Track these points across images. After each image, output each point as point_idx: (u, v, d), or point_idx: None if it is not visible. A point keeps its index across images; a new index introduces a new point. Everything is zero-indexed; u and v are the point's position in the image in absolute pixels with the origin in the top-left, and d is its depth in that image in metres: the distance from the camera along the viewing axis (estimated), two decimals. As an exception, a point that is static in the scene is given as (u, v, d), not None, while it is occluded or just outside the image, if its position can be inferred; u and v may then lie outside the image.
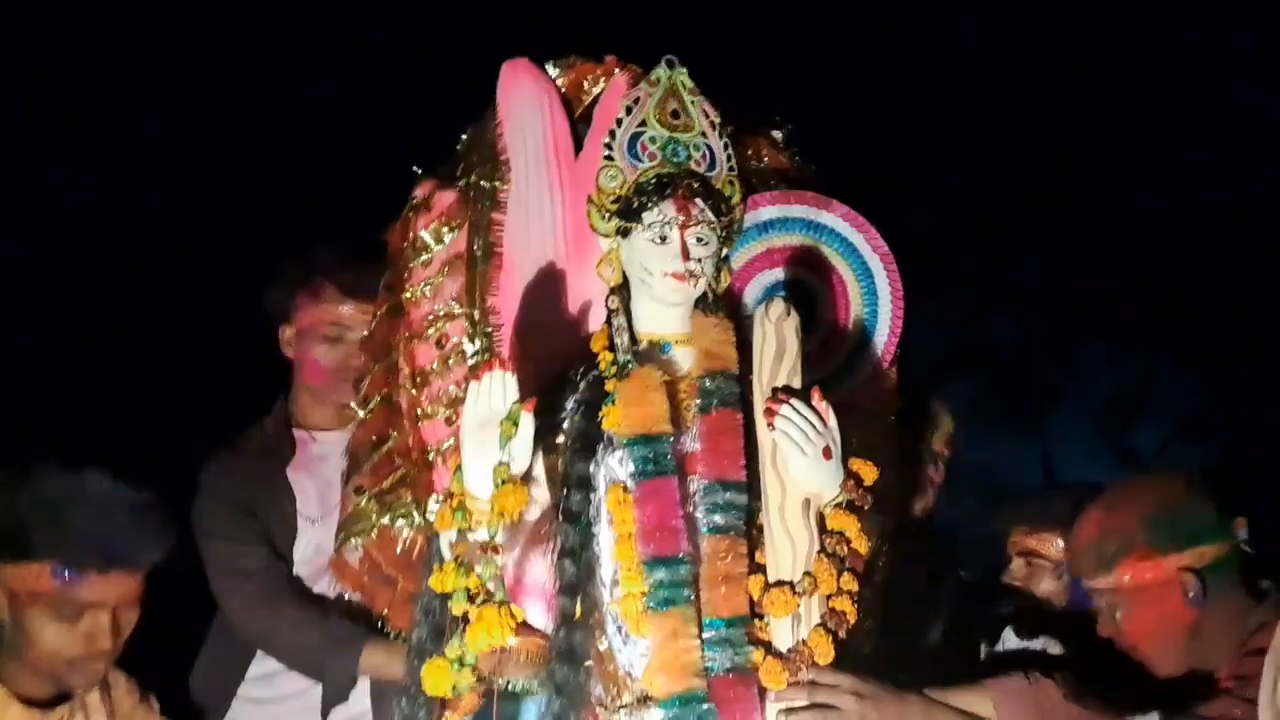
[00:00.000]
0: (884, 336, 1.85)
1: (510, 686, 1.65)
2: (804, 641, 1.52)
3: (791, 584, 1.54)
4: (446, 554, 1.54)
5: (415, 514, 1.74)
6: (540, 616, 1.61)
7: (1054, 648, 2.07)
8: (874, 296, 1.85)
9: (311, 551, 2.00)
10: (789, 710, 1.50)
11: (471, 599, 1.47)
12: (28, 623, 1.63)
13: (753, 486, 1.60)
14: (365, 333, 1.86)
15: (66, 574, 1.61)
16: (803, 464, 1.55)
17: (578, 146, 1.81)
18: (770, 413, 1.56)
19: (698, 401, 1.62)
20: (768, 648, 1.54)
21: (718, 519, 1.57)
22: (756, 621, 1.56)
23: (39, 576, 1.60)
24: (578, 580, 1.57)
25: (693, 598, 1.53)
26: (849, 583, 1.55)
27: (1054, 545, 2.07)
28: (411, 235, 1.81)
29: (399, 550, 1.75)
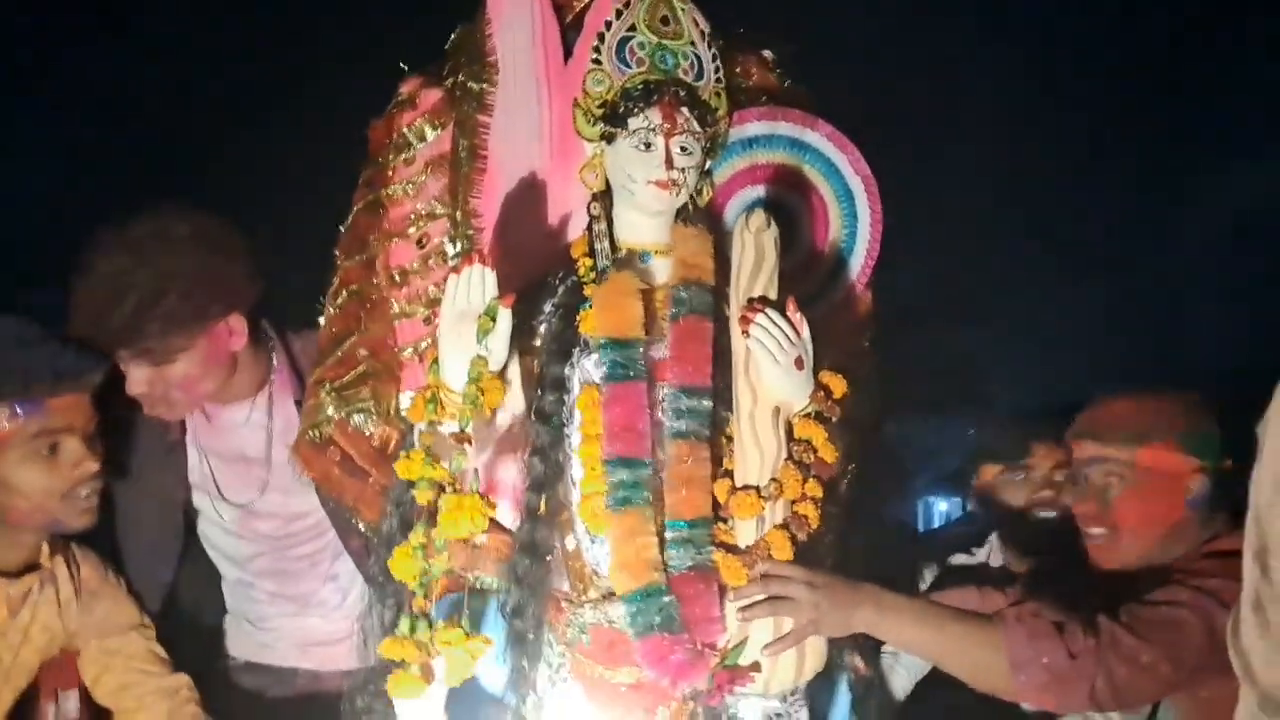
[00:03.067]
0: (860, 259, 1.87)
1: (479, 583, 1.70)
2: (763, 539, 1.56)
3: (758, 488, 1.57)
4: (416, 444, 1.55)
5: (374, 409, 1.75)
6: (509, 516, 1.64)
7: (1019, 564, 2.15)
8: (854, 219, 1.86)
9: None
10: (746, 606, 1.54)
11: (441, 488, 1.49)
12: (3, 475, 1.63)
13: (723, 394, 1.63)
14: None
15: (22, 408, 1.60)
16: (775, 372, 1.58)
17: (567, 53, 1.80)
18: (745, 320, 1.58)
19: (671, 310, 1.64)
20: (730, 549, 1.58)
21: (681, 424, 1.59)
22: (720, 525, 1.60)
23: None
24: (545, 478, 1.59)
25: (651, 498, 1.56)
26: (813, 489, 1.58)
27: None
28: (395, 132, 1.80)
29: (375, 445, 1.77)
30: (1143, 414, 1.73)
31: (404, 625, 1.44)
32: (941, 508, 4.10)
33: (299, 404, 1.96)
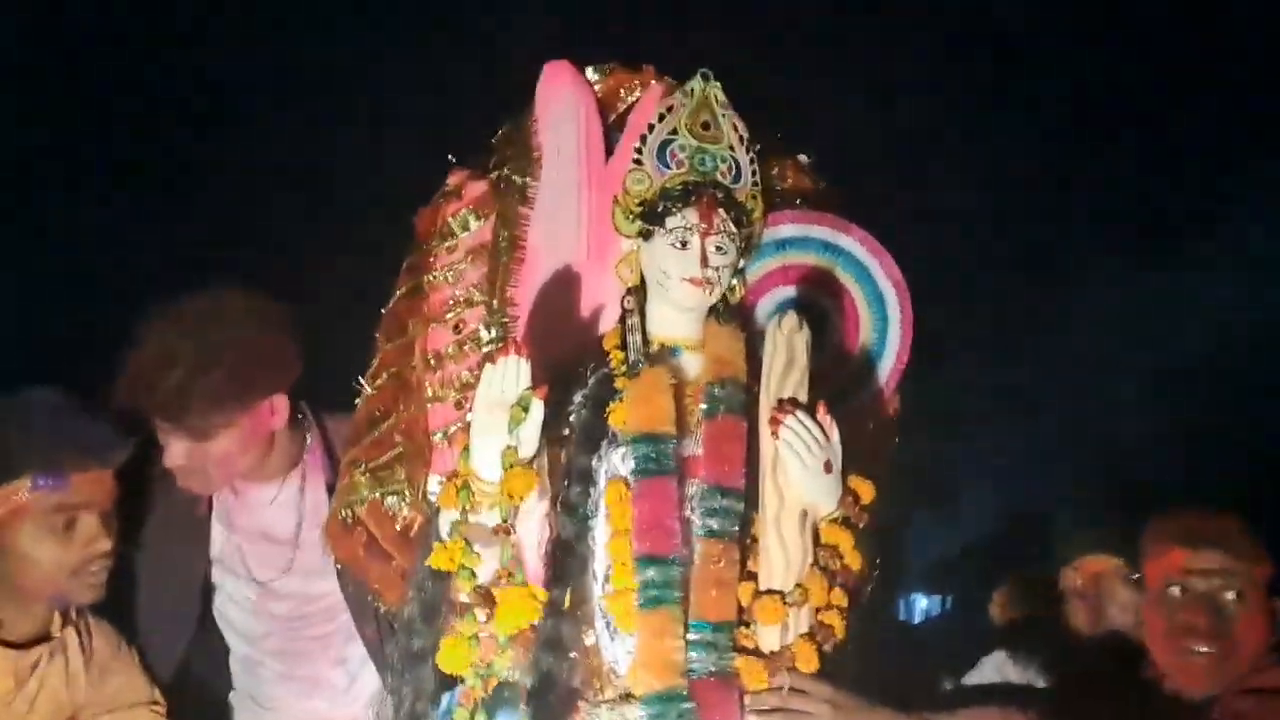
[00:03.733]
0: (890, 363, 1.88)
1: (502, 675, 1.68)
2: (788, 648, 1.54)
3: (782, 593, 1.56)
4: (445, 533, 1.56)
5: (407, 492, 1.76)
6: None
7: (1039, 680, 2.09)
8: (884, 323, 1.88)
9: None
10: (762, 711, 1.52)
11: (476, 578, 1.50)
12: (18, 546, 1.63)
13: (751, 495, 1.63)
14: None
15: (47, 481, 1.62)
16: (803, 475, 1.58)
17: (609, 151, 1.86)
18: (775, 421, 1.59)
19: (703, 406, 1.65)
20: (752, 654, 1.56)
21: (713, 523, 1.59)
22: (743, 629, 1.58)
23: (18, 492, 1.62)
24: (570, 571, 1.59)
25: (681, 598, 1.55)
26: (839, 598, 1.57)
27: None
28: (440, 220, 1.85)
29: (398, 527, 1.78)
30: (1243, 528, 1.69)
31: (461, 716, 1.45)
32: (922, 604, 4.05)
33: (330, 487, 1.97)
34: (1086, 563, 2.16)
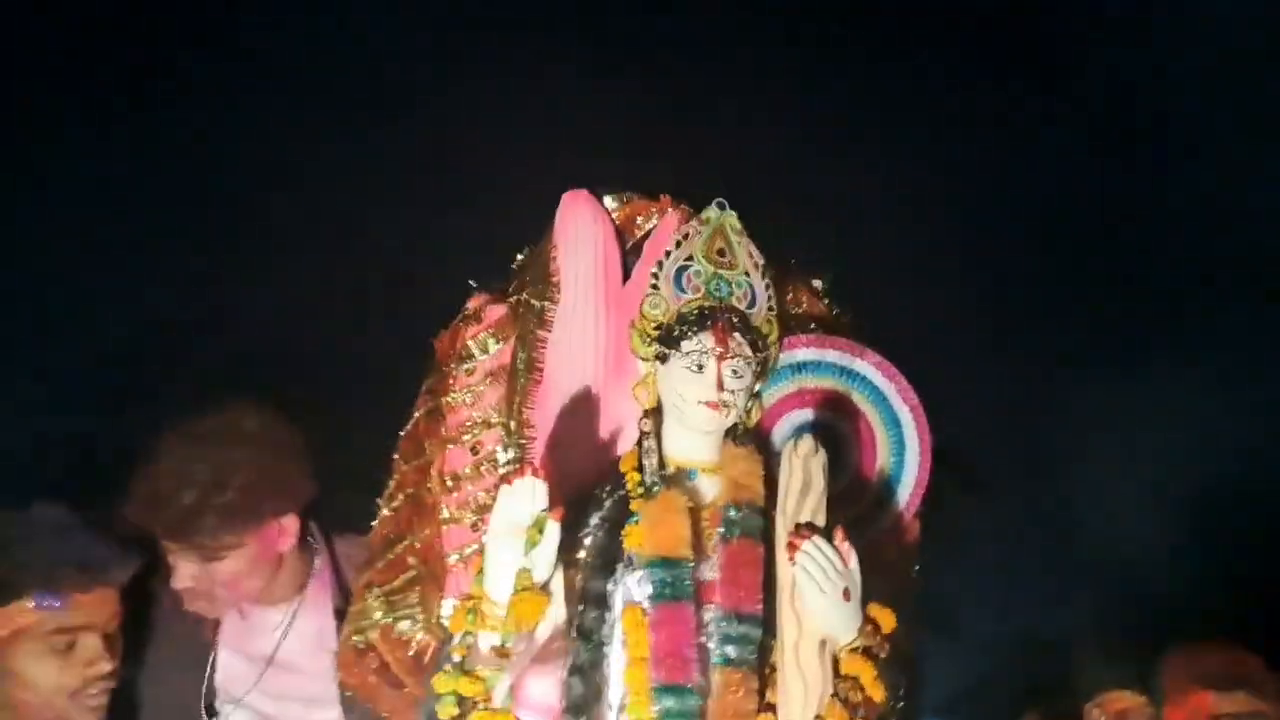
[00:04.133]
0: (909, 489, 1.87)
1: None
2: (809, 785, 1.49)
3: (801, 725, 1.51)
4: (454, 657, 1.53)
5: (420, 616, 1.74)
6: (543, 737, 1.59)
7: None
8: (901, 447, 1.88)
9: None
10: None
11: (463, 705, 1.46)
12: (17, 667, 1.60)
13: (770, 622, 1.60)
14: None
15: (45, 600, 1.60)
16: (820, 602, 1.55)
17: (626, 275, 1.90)
18: (792, 547, 1.57)
19: (720, 530, 1.64)
20: (772, 788, 1.51)
21: (730, 651, 1.56)
22: (762, 762, 1.53)
23: (20, 613, 1.60)
24: (585, 700, 1.55)
25: None
26: (859, 731, 1.52)
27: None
28: (459, 343, 1.88)
29: (411, 653, 1.75)
30: (1264, 666, 1.66)
31: None
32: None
33: (339, 612, 1.94)
34: (1110, 699, 2.12)
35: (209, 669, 1.99)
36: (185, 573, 1.86)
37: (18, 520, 1.67)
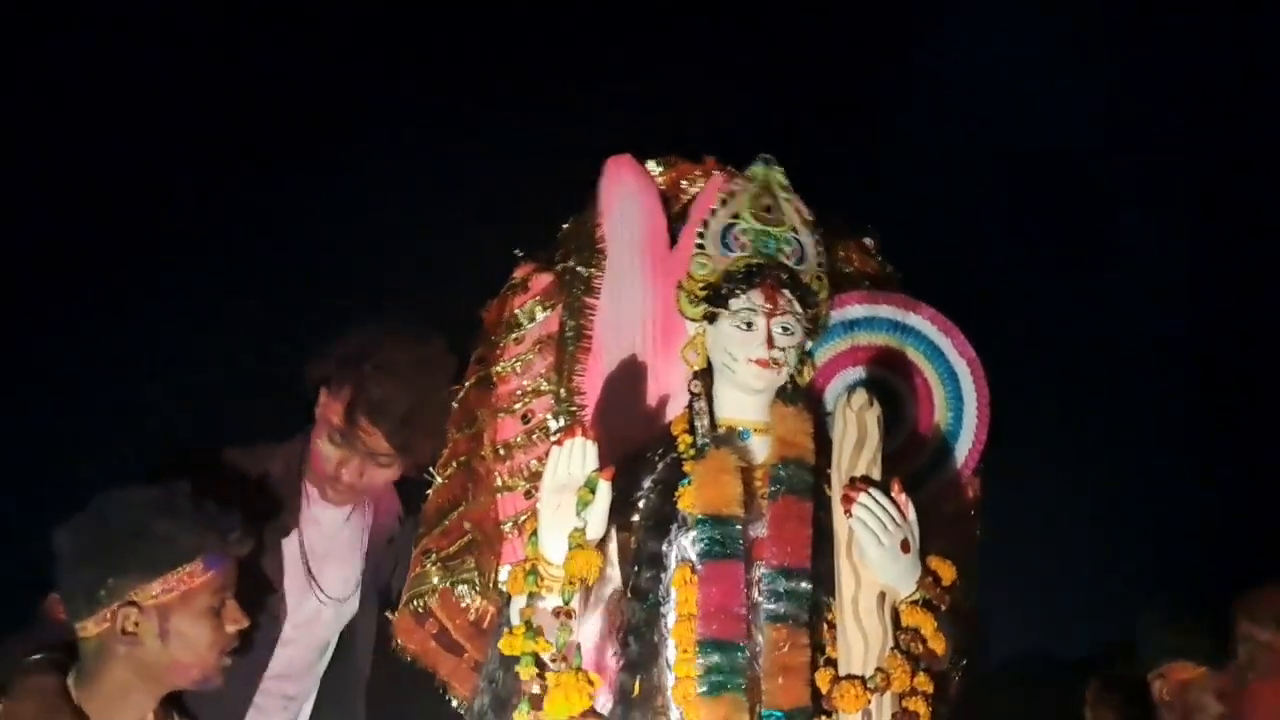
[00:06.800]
0: (967, 443, 1.83)
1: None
2: (872, 737, 1.47)
3: (863, 678, 1.49)
4: (516, 619, 1.54)
5: (478, 581, 1.75)
6: (601, 696, 1.59)
7: None
8: (959, 401, 1.84)
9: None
10: None
11: (541, 665, 1.46)
12: (183, 628, 1.66)
13: (825, 578, 1.58)
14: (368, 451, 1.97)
15: (212, 563, 1.67)
16: (879, 554, 1.53)
17: (673, 241, 1.88)
18: (848, 500, 1.54)
19: (770, 488, 1.62)
20: (833, 744, 1.49)
21: (779, 607, 1.54)
22: (822, 717, 1.51)
23: (193, 575, 1.66)
24: (640, 659, 1.55)
25: (745, 686, 1.50)
26: (923, 683, 1.49)
27: None
28: (507, 313, 1.88)
29: (470, 618, 1.76)
30: None
31: None
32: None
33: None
34: (1173, 670, 2.08)
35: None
36: (353, 467, 1.98)
37: (155, 495, 1.72)
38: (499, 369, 1.86)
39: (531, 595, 1.51)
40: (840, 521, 1.57)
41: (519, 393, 1.85)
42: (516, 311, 1.88)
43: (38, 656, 1.68)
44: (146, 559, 1.65)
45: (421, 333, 2.01)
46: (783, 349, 1.65)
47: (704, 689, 1.50)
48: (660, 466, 1.68)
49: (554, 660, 1.46)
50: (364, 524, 2.11)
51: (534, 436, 1.82)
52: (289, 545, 2.04)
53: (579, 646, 1.48)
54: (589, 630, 1.60)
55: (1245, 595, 1.75)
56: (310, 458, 2.03)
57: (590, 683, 1.43)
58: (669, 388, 1.82)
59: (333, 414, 1.98)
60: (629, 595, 1.58)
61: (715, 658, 1.50)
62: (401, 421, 1.93)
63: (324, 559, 2.06)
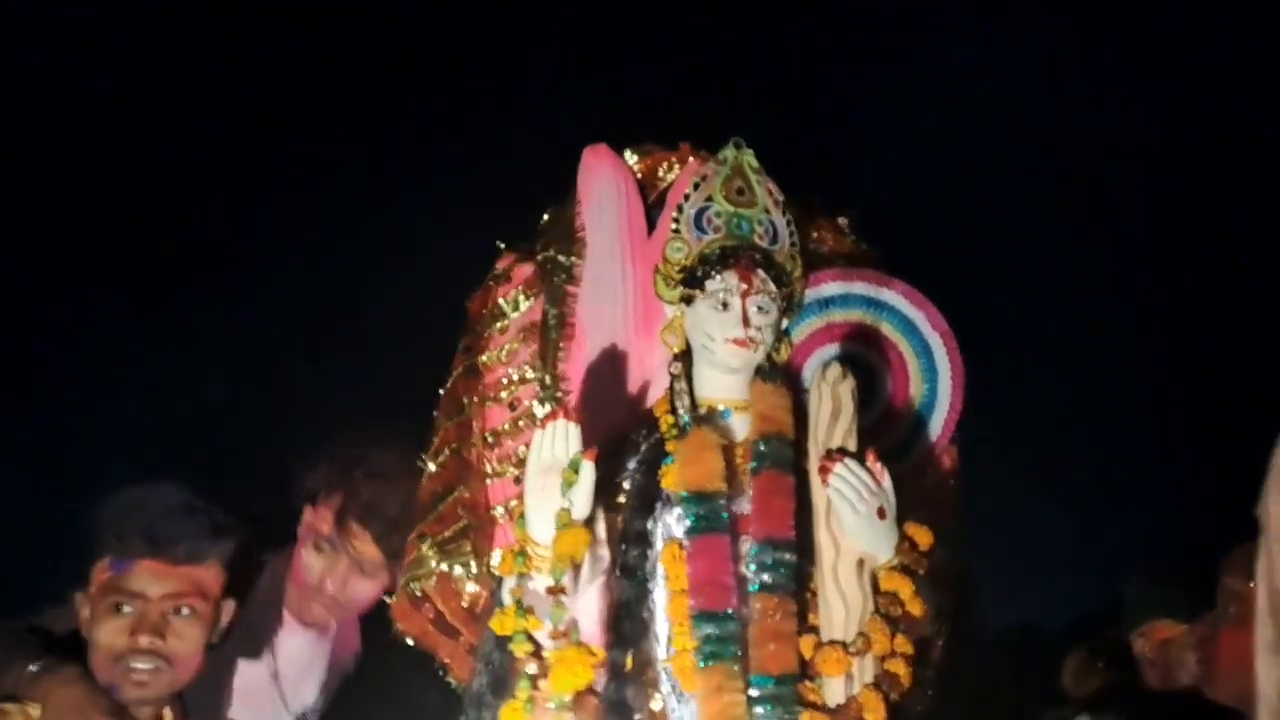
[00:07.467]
0: (943, 415, 1.87)
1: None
2: (854, 698, 1.51)
3: (844, 643, 1.54)
4: (507, 600, 1.58)
5: (474, 563, 1.79)
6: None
7: None
8: (934, 374, 1.88)
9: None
10: None
11: (535, 643, 1.50)
12: (93, 627, 1.72)
13: (805, 548, 1.62)
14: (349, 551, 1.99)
15: (118, 563, 1.72)
16: (855, 522, 1.57)
17: (650, 227, 1.92)
18: (825, 470, 1.59)
19: (751, 464, 1.66)
20: (818, 708, 1.53)
21: (766, 577, 1.58)
22: (808, 682, 1.56)
23: (102, 570, 1.73)
24: (631, 634, 1.59)
25: (739, 654, 1.54)
26: (903, 645, 1.54)
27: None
28: (491, 303, 1.92)
29: (464, 603, 1.80)
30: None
31: None
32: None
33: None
34: (1155, 629, 2.13)
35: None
36: (338, 576, 2.00)
37: (143, 491, 1.77)
38: (485, 358, 1.90)
39: (521, 576, 1.55)
40: (819, 492, 1.61)
41: (505, 381, 1.88)
42: (500, 301, 1.92)
43: (46, 659, 1.72)
44: (100, 545, 1.74)
45: (407, 440, 2.01)
46: (759, 328, 1.69)
47: (700, 660, 1.54)
48: (644, 447, 1.72)
49: (553, 637, 1.50)
50: (326, 650, 2.09)
51: (521, 423, 1.86)
52: (254, 668, 2.04)
53: (577, 622, 1.52)
54: (589, 609, 1.64)
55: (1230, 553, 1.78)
56: (292, 572, 2.05)
57: (592, 654, 1.48)
58: (651, 371, 1.86)
59: (322, 522, 2.02)
60: (618, 573, 1.62)
61: (707, 629, 1.54)
62: (391, 525, 1.96)
63: (295, 683, 2.07)
